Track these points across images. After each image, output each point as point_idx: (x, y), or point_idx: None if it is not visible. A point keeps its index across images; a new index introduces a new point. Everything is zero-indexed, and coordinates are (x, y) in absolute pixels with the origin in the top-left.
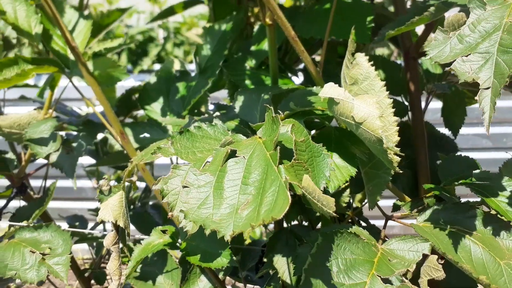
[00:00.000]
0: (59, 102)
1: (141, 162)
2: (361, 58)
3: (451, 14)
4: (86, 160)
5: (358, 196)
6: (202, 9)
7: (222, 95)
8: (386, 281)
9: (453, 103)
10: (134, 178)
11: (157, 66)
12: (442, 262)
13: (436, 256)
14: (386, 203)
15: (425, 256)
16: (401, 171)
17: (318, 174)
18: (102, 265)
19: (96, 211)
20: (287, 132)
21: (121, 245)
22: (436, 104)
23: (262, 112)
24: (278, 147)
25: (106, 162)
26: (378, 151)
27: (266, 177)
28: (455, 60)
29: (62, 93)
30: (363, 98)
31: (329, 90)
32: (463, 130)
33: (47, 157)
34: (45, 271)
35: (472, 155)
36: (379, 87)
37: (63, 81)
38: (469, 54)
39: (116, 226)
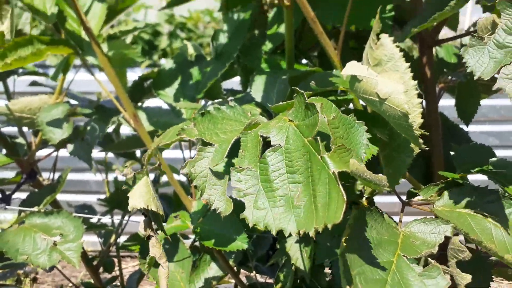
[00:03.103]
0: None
1: (160, 144)
2: (386, 39)
3: (480, 18)
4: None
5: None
6: (207, 4)
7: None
8: (412, 261)
9: (467, 92)
10: (157, 163)
11: (163, 61)
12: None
13: (458, 238)
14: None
15: (447, 239)
16: (427, 148)
17: (356, 145)
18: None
19: (105, 200)
20: None
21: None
22: (450, 101)
23: (279, 95)
24: (319, 137)
25: (119, 147)
26: (403, 128)
27: (311, 165)
28: (499, 73)
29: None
30: (386, 75)
31: (351, 68)
32: (470, 128)
33: (58, 145)
34: (57, 256)
35: None
36: (404, 68)
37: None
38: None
39: (148, 212)
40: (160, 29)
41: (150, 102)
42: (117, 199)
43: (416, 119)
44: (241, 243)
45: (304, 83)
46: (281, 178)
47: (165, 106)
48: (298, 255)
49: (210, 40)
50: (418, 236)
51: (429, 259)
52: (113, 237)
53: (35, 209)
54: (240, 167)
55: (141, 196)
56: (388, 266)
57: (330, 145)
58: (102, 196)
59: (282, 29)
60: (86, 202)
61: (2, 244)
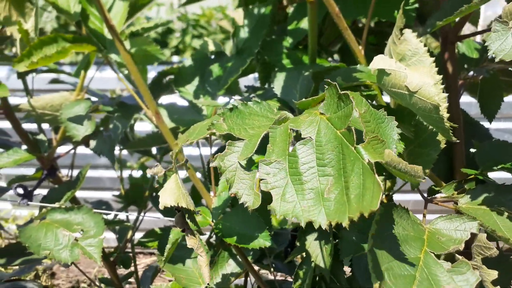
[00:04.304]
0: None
1: (188, 141)
2: (409, 34)
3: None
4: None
5: (387, 183)
6: (219, 1)
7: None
8: (439, 258)
9: (490, 88)
10: (183, 159)
11: (175, 58)
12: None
13: (485, 234)
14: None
15: (473, 236)
16: (457, 140)
17: (387, 139)
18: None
19: (120, 197)
20: None
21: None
22: (468, 98)
23: (302, 91)
24: (353, 127)
25: (139, 144)
26: (433, 120)
27: (344, 157)
28: None
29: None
30: (415, 68)
31: (379, 62)
32: (485, 125)
33: (82, 141)
34: (79, 251)
35: None
36: (429, 62)
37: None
38: None
39: (179, 208)
40: (172, 26)
41: (164, 99)
42: (133, 196)
43: (443, 113)
44: (263, 240)
45: (328, 78)
46: (311, 171)
47: (180, 103)
48: (318, 252)
49: (222, 38)
50: (443, 232)
51: (456, 255)
52: (129, 233)
53: (56, 205)
54: (269, 161)
55: (171, 193)
56: (416, 262)
57: (363, 138)
58: (116, 193)
59: (303, 24)
60: (100, 199)
61: (25, 239)
